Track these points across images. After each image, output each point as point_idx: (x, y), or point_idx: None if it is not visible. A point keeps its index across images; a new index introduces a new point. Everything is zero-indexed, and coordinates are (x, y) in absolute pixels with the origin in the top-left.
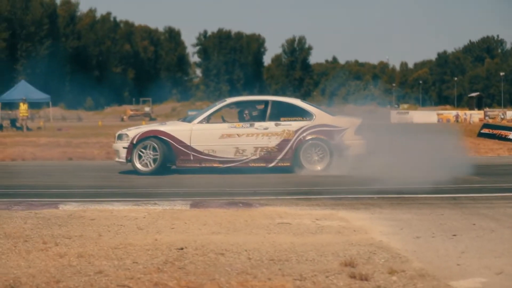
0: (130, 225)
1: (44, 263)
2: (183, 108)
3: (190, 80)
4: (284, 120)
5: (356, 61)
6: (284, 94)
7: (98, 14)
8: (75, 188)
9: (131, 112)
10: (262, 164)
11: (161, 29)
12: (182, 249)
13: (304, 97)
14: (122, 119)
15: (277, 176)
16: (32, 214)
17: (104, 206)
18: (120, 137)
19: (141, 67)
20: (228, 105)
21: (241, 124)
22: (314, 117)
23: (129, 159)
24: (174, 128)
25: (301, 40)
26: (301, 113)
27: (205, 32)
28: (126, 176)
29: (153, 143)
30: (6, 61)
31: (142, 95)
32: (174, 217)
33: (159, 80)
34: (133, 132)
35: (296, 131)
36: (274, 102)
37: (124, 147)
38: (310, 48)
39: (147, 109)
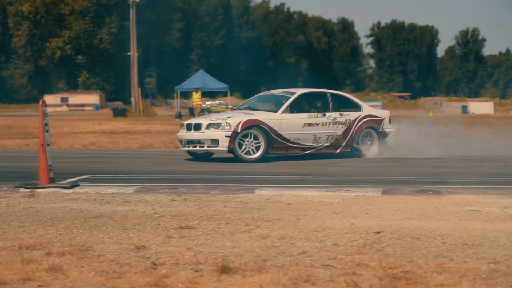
0: (326, 209)
1: (249, 244)
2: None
3: (364, 71)
4: (344, 111)
5: None
6: (458, 86)
7: (272, 5)
8: (268, 175)
9: None
10: (331, 151)
11: (334, 20)
12: (378, 232)
13: (478, 89)
14: None
15: (462, 166)
16: (230, 198)
17: (299, 192)
18: (216, 125)
19: (315, 58)
20: (300, 96)
21: (316, 114)
22: (362, 108)
23: (231, 148)
24: (268, 117)
25: (475, 32)
26: (352, 105)
27: (379, 23)
28: (314, 162)
29: (256, 132)
30: (181, 51)
31: (315, 85)
32: (367, 203)
33: (333, 70)
34: (233, 120)
35: (354, 120)
36: (332, 94)
37: (227, 136)
38: (483, 40)
39: None
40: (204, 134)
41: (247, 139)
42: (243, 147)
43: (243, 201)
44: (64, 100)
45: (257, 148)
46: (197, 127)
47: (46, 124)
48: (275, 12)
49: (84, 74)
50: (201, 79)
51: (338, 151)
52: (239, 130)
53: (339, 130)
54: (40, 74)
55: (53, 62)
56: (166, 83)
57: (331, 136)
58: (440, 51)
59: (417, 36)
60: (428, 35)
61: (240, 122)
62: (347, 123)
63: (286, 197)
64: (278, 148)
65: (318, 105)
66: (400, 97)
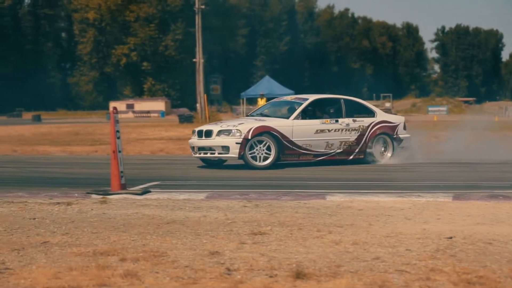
0: (397, 215)
1: (322, 249)
2: (422, 104)
3: (429, 76)
4: (358, 117)
5: None
6: None
7: (336, 11)
8: (337, 181)
9: None
10: (344, 157)
11: (398, 25)
12: (451, 238)
13: None
14: None
15: None
16: (301, 204)
17: (369, 198)
18: (226, 132)
19: (379, 63)
20: (312, 102)
21: (329, 120)
22: (376, 114)
23: (242, 155)
24: (279, 124)
25: None
26: (365, 111)
27: (443, 27)
28: (379, 168)
29: (266, 139)
30: (246, 57)
31: (380, 90)
32: (438, 208)
33: (397, 75)
34: (244, 127)
35: (368, 126)
36: (345, 100)
37: (237, 143)
38: None
39: (387, 104)
40: (215, 141)
41: (258, 146)
42: (254, 153)
43: (314, 207)
44: (130, 106)
45: (268, 155)
46: (208, 133)
47: (117, 131)
48: (339, 18)
49: (150, 80)
50: (266, 85)
51: (351, 157)
52: (249, 137)
53: (352, 136)
54: (105, 81)
55: (118, 69)
56: (231, 89)
57: (344, 142)
58: (505, 55)
59: (481, 40)
60: (492, 39)
61: (250, 129)
62: (360, 129)
63: (357, 202)
64: (290, 155)
65: (331, 111)
66: (465, 102)
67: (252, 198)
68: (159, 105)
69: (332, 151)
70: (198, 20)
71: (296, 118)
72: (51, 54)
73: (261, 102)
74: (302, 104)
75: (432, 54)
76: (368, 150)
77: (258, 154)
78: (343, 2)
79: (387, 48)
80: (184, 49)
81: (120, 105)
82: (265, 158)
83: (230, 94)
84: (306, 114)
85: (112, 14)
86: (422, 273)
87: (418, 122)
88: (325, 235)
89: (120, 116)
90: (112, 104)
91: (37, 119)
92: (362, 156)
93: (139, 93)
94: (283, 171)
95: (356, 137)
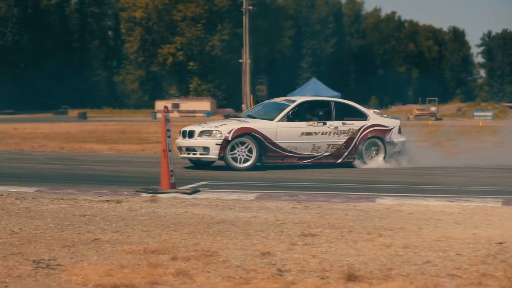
0: (447, 219)
1: (373, 252)
2: (468, 108)
3: (474, 81)
4: (348, 120)
5: None
6: None
7: (383, 13)
8: (386, 184)
9: (417, 112)
10: (332, 160)
11: (445, 29)
12: (501, 243)
13: None
14: (408, 118)
15: None
16: (351, 206)
17: (419, 201)
18: (207, 133)
19: (425, 67)
20: (300, 105)
21: (316, 123)
22: (368, 117)
23: (222, 156)
24: (262, 126)
25: None
26: (357, 114)
27: (489, 32)
28: (429, 171)
29: (247, 140)
30: (292, 58)
31: (426, 94)
32: (488, 213)
33: (443, 79)
34: (225, 128)
35: (358, 130)
36: (336, 103)
37: (217, 144)
38: None
39: (433, 108)
40: (197, 141)
41: (239, 147)
42: (235, 155)
43: (364, 209)
44: (175, 106)
45: (249, 157)
46: (191, 134)
47: (168, 130)
48: (386, 21)
49: (196, 80)
50: (313, 87)
51: (339, 161)
52: (230, 138)
53: (341, 140)
54: (151, 80)
55: (164, 68)
56: (276, 90)
57: (331, 146)
58: None
59: None
60: None
61: (231, 130)
62: (350, 132)
63: (407, 206)
64: (273, 157)
65: (321, 113)
66: (511, 107)
67: (302, 199)
68: (204, 105)
69: (319, 154)
70: (245, 21)
71: (281, 120)
72: (97, 52)
73: None
74: (288, 106)
75: (478, 59)
76: (357, 154)
77: (239, 155)
78: (390, 5)
79: (433, 52)
80: (231, 49)
81: (166, 104)
82: (246, 160)
83: (276, 95)
84: (295, 116)
85: (159, 13)
86: (473, 277)
87: (465, 127)
88: (376, 238)
89: None
90: (158, 103)
91: (83, 116)
92: (351, 160)
93: (185, 93)
94: (330, 173)
95: (345, 140)
